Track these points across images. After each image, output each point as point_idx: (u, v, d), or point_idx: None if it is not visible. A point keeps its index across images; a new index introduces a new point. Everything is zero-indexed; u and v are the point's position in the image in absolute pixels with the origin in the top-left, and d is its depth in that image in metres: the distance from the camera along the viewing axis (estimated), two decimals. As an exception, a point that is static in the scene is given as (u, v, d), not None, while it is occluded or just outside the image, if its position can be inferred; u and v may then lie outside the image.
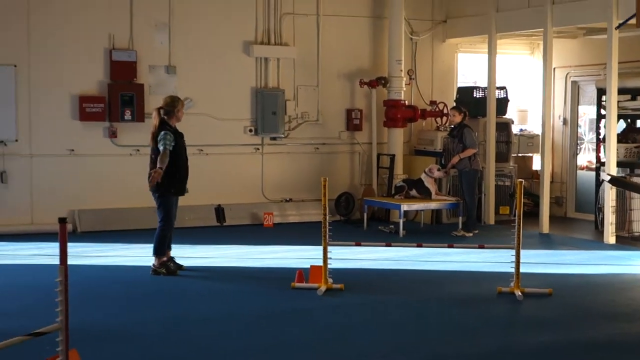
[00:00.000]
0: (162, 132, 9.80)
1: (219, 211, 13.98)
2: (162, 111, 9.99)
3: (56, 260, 5.69)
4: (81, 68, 13.14)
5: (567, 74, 15.67)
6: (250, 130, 14.36)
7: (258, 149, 14.46)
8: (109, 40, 13.29)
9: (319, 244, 9.34)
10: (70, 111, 13.12)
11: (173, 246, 10.29)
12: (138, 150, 13.48)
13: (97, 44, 13.23)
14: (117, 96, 13.14)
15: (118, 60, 13.23)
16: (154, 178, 9.67)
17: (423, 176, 13.58)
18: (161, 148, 9.72)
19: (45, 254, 11.28)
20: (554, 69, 14.71)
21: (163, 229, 10.03)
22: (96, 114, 13.12)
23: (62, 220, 5.49)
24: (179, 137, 9.99)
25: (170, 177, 9.85)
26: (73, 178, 13.16)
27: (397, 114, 14.78)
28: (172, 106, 10.01)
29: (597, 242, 12.83)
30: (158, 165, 9.67)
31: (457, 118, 13.33)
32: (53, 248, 11.19)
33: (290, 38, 14.56)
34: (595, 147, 14.73)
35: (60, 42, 13.03)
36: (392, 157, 14.81)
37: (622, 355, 7.17)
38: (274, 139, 14.50)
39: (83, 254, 11.09)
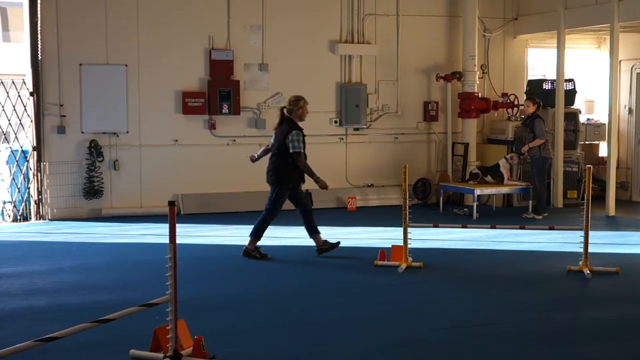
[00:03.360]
0: (294, 132, 9.44)
1: (307, 195, 13.97)
2: (285, 110, 9.66)
3: (162, 239, 5.78)
4: (184, 66, 13.31)
5: (633, 66, 15.18)
6: (335, 122, 14.34)
7: (342, 138, 14.43)
8: (209, 42, 13.43)
9: (399, 226, 9.29)
10: (174, 105, 13.31)
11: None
12: (234, 140, 13.62)
13: (198, 45, 13.38)
14: (216, 92, 13.28)
15: (217, 59, 13.36)
16: (323, 187, 9.56)
17: (502, 161, 13.35)
18: (293, 151, 9.41)
19: (152, 233, 11.49)
20: (620, 61, 14.26)
21: (267, 216, 9.80)
22: (197, 108, 13.27)
23: (171, 204, 5.57)
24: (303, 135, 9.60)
25: (290, 174, 9.61)
26: (177, 166, 13.36)
27: (470, 105, 14.57)
28: (294, 104, 9.60)
29: (661, 224, 12.44)
30: (308, 173, 9.45)
31: (531, 108, 13.08)
32: (159, 228, 11.48)
33: (372, 37, 14.47)
34: (659, 135, 14.28)
35: (165, 44, 13.22)
36: (466, 146, 14.61)
37: (688, 330, 6.93)
38: (356, 129, 14.45)
39: (186, 234, 11.26)
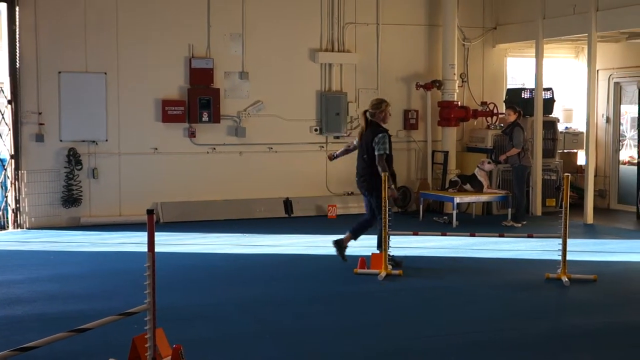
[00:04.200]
0: (380, 135, 9.33)
1: (287, 204, 14.03)
2: (368, 113, 9.56)
3: (141, 248, 5.75)
4: (164, 75, 13.28)
5: (610, 75, 15.34)
6: (316, 130, 14.35)
7: (322, 146, 14.44)
8: (189, 50, 13.41)
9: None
10: (154, 113, 13.27)
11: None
12: (214, 148, 13.61)
13: (178, 53, 13.36)
14: (196, 100, 13.25)
15: (197, 67, 13.34)
16: (392, 197, 9.28)
17: (476, 170, 13.44)
18: (378, 153, 9.29)
19: (131, 242, 11.44)
20: (598, 70, 14.40)
21: (374, 219, 9.65)
22: (177, 116, 13.24)
23: (150, 212, 5.55)
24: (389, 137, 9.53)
25: (379, 177, 9.21)
26: (156, 174, 13.32)
27: (450, 114, 14.63)
28: (377, 108, 9.51)
29: (638, 231, 12.54)
30: (384, 178, 9.01)
31: (512, 117, 13.18)
32: (138, 237, 11.42)
33: (352, 45, 14.51)
34: (636, 143, 14.42)
35: (145, 52, 13.18)
36: (446, 154, 14.67)
37: (665, 337, 6.98)
38: (337, 137, 14.46)
39: (166, 242, 11.22)
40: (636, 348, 6.62)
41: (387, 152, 9.38)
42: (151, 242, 5.53)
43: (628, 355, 6.42)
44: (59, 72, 12.68)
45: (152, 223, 5.56)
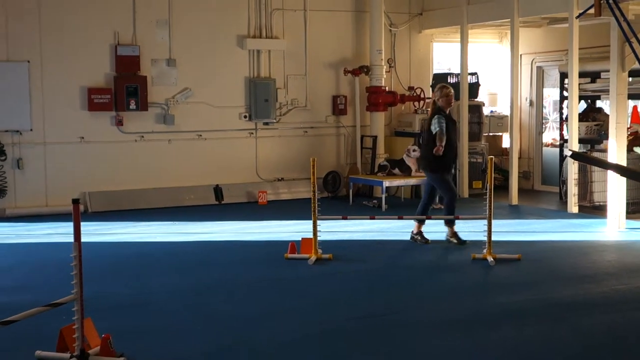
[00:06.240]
0: (436, 117, 10.03)
1: (218, 191, 13.98)
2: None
3: (70, 238, 5.68)
4: (89, 62, 13.05)
5: (533, 59, 15.69)
6: (245, 117, 14.32)
7: (252, 133, 14.42)
8: (114, 37, 13.20)
9: (309, 219, 9.37)
10: (80, 102, 13.04)
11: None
12: (142, 136, 13.46)
13: (104, 40, 13.14)
14: (123, 87, 13.07)
15: (123, 54, 13.14)
16: (437, 151, 9.87)
17: (404, 157, 13.60)
18: (435, 129, 9.92)
19: (59, 232, 11.26)
20: (521, 55, 14.70)
21: (451, 199, 10.18)
22: (104, 104, 13.04)
23: (76, 201, 5.50)
24: (450, 122, 10.11)
25: (440, 157, 9.96)
26: (83, 163, 13.11)
27: (378, 99, 14.77)
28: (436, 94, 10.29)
29: (561, 211, 12.89)
30: (438, 144, 9.88)
31: (439, 101, 13.37)
32: (66, 227, 11.22)
33: (280, 32, 14.50)
34: (559, 126, 14.80)
35: (69, 40, 12.93)
36: (375, 139, 14.81)
37: (587, 312, 7.22)
38: (266, 123, 14.46)
39: (94, 232, 11.08)
40: (557, 323, 6.83)
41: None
42: (77, 232, 5.48)
43: (551, 330, 6.63)
44: (-20, 61, 12.38)
45: (78, 212, 5.50)
